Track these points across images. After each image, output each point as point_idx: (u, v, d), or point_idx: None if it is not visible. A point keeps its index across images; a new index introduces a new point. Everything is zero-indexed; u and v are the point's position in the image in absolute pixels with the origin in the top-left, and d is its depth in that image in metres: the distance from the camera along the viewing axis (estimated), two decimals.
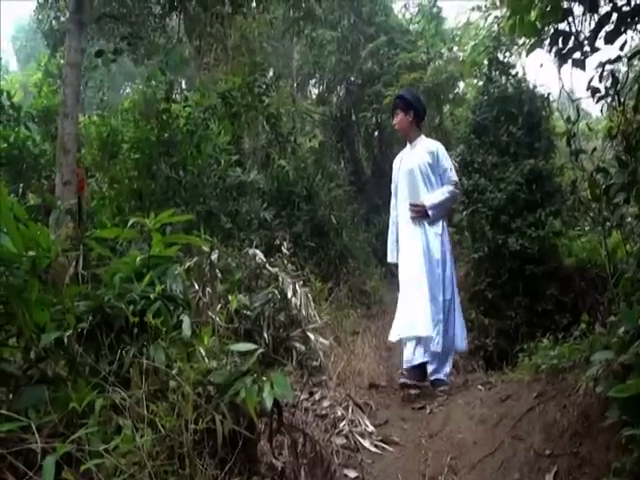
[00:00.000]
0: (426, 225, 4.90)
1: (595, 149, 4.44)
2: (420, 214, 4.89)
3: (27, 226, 2.33)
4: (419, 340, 4.73)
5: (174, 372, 2.35)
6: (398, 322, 4.89)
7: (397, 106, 5.15)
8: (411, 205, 4.93)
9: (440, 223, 4.96)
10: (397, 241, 5.17)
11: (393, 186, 5.27)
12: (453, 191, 4.98)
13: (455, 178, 5.00)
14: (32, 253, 2.26)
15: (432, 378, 4.83)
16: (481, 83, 10.30)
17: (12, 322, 2.28)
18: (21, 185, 7.94)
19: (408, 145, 5.22)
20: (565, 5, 3.91)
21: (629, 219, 4.07)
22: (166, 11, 8.91)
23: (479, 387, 4.60)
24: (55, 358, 2.34)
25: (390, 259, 5.29)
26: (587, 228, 7.93)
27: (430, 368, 4.83)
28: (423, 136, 5.20)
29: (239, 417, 2.43)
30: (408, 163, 5.06)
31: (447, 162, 4.99)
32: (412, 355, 4.75)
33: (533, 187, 8.12)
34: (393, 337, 4.94)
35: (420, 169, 4.95)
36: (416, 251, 4.86)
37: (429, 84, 13.79)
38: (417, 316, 4.72)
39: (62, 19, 11.79)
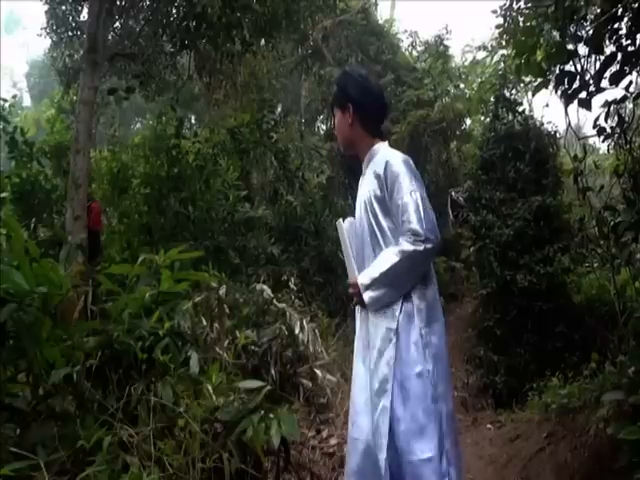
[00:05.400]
0: (370, 316, 2.48)
1: (602, 187, 4.47)
2: (355, 298, 2.51)
3: (39, 262, 2.35)
4: None
5: (181, 409, 2.34)
6: None
7: (333, 100, 2.81)
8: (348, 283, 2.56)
9: (395, 309, 2.40)
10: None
11: None
12: (408, 251, 2.33)
13: (414, 225, 2.32)
14: (43, 289, 2.28)
15: None
16: (488, 120, 10.41)
17: (22, 358, 2.29)
18: (33, 220, 8.00)
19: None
20: (570, 46, 3.98)
21: (638, 255, 4.07)
22: (177, 49, 9.08)
23: (488, 426, 4.56)
24: (63, 394, 2.35)
25: None
26: (596, 265, 7.91)
27: None
28: (379, 147, 2.63)
29: (246, 455, 2.42)
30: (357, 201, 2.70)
31: (402, 190, 2.38)
32: None
33: (541, 223, 8.14)
34: None
35: (366, 209, 2.55)
36: (359, 365, 2.52)
37: (436, 121, 13.94)
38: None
39: (76, 57, 12.03)
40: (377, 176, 2.47)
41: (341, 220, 2.61)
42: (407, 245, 2.32)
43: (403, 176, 2.39)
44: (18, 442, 2.03)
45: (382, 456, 2.22)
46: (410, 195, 2.36)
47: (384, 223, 2.46)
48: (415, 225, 2.32)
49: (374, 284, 2.40)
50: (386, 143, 2.65)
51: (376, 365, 2.33)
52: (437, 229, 2.37)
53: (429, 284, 2.47)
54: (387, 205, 2.44)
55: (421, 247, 2.30)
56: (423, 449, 2.22)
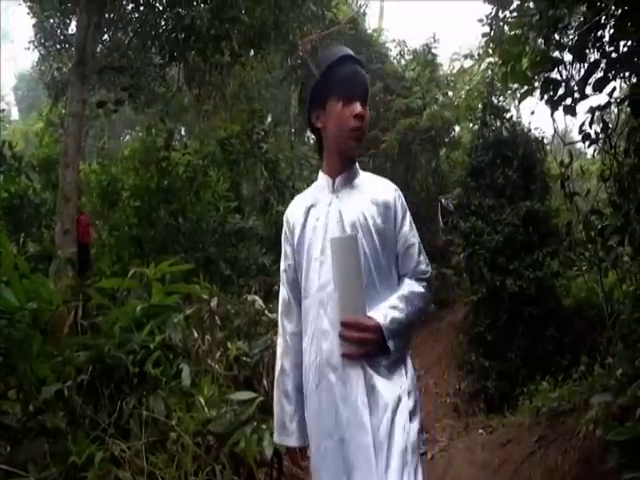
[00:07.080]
0: (372, 372, 1.81)
1: (589, 191, 4.51)
2: (366, 347, 1.79)
3: (29, 277, 2.35)
4: None
5: (173, 422, 2.35)
6: None
7: (365, 86, 1.95)
8: (345, 326, 1.79)
9: (404, 365, 1.89)
10: (299, 405, 2.00)
11: (288, 271, 2.16)
12: (426, 296, 1.97)
13: (426, 268, 2.01)
14: (33, 305, 2.28)
15: None
16: (476, 127, 10.47)
17: (12, 374, 2.29)
18: (22, 234, 7.98)
19: (324, 180, 2.11)
20: (555, 54, 4.03)
21: (625, 258, 4.12)
22: (166, 61, 9.10)
23: (480, 431, 4.58)
24: (54, 410, 2.34)
25: (281, 439, 2.02)
26: (584, 268, 7.97)
27: None
28: (357, 166, 2.09)
29: (239, 467, 2.42)
30: (335, 222, 1.96)
31: (413, 227, 2.02)
32: None
33: (530, 229, 8.18)
34: None
35: (363, 237, 1.92)
36: (359, 439, 1.76)
37: (425, 129, 14.01)
38: None
39: (64, 70, 12.03)
40: (381, 204, 1.97)
41: (357, 234, 1.90)
42: (422, 289, 1.95)
43: (408, 211, 2.03)
44: (9, 459, 2.03)
45: None
46: (417, 234, 2.01)
47: (382, 259, 1.94)
48: (428, 268, 2.00)
49: (399, 330, 1.82)
50: None
51: (390, 434, 1.75)
52: None
53: None
54: (386, 239, 1.95)
55: (430, 294, 2.00)
56: None
